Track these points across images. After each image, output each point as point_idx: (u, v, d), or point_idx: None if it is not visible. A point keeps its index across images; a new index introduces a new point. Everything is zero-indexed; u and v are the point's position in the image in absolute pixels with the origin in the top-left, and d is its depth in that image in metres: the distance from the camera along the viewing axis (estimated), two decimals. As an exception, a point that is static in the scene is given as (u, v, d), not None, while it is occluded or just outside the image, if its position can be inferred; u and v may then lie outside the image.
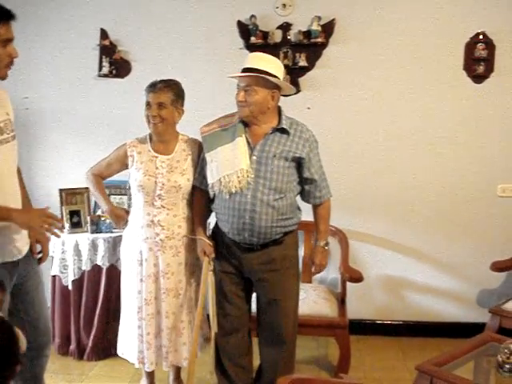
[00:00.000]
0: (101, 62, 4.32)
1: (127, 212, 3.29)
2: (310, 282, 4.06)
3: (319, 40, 4.16)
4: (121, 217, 3.26)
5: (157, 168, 3.13)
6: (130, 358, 3.31)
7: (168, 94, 3.07)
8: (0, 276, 2.38)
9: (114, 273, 3.88)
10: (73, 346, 3.98)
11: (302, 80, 4.23)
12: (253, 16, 4.17)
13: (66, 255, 3.92)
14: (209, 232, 3.24)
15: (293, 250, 3.11)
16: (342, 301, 3.83)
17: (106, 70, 4.30)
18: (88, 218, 4.02)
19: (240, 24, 4.22)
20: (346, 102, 4.27)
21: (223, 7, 4.24)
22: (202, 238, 3.09)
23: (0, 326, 1.86)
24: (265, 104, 2.89)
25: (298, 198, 3.11)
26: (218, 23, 4.25)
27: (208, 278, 3.08)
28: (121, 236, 3.76)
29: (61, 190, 4.12)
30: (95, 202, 4.15)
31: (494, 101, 4.22)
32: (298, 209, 3.09)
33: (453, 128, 4.26)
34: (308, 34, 4.19)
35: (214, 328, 3.11)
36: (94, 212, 4.16)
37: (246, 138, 2.93)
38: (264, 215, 2.87)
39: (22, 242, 2.56)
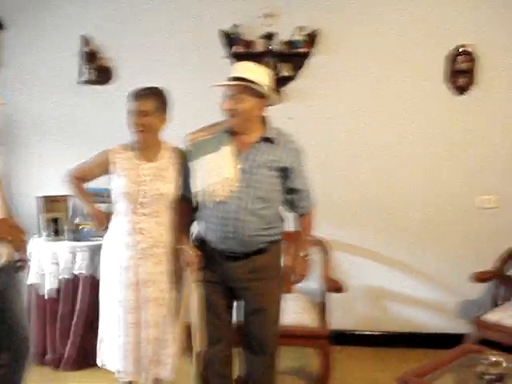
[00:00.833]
0: (82, 68, 4.28)
1: (109, 215, 3.25)
2: (291, 291, 4.04)
3: (302, 50, 4.18)
4: (102, 219, 3.22)
5: (140, 176, 3.10)
6: (111, 367, 3.25)
7: (151, 102, 3.04)
8: None
9: (92, 282, 3.83)
10: (49, 356, 3.92)
11: (284, 90, 4.23)
12: (236, 25, 4.17)
13: (44, 264, 3.86)
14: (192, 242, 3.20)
15: (277, 259, 3.09)
16: (322, 311, 3.81)
17: (86, 76, 4.27)
18: (67, 226, 3.97)
19: (223, 33, 4.22)
20: (329, 112, 4.29)
21: (206, 16, 4.24)
22: (187, 248, 3.05)
23: None
24: (252, 113, 2.88)
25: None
26: (200, 32, 4.25)
27: (193, 290, 3.04)
28: (99, 245, 3.72)
29: (40, 198, 4.07)
30: (74, 210, 4.10)
31: (475, 113, 4.27)
32: (282, 219, 3.07)
33: (433, 139, 4.29)
34: (291, 43, 4.20)
35: (197, 345, 3.05)
36: (73, 220, 4.11)
37: (232, 148, 2.91)
38: (248, 224, 2.85)
39: (1, 251, 2.52)
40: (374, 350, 4.33)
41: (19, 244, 2.67)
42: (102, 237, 3.34)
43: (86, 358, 3.86)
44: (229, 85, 2.88)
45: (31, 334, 3.77)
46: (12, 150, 4.37)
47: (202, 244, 3.05)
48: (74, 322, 3.85)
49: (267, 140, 2.92)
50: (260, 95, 2.87)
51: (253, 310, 3.03)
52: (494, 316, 3.85)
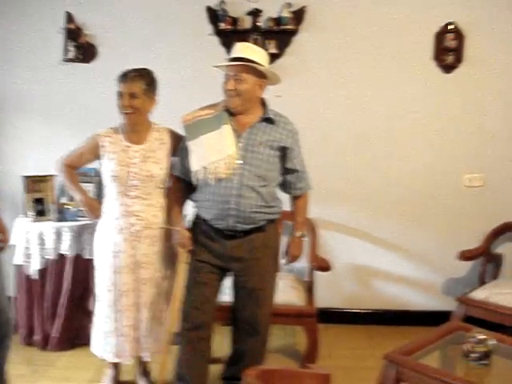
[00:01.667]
0: (66, 46, 4.21)
1: (100, 203, 3.22)
2: (278, 270, 4.04)
3: (289, 27, 4.13)
4: (95, 208, 3.20)
5: (130, 158, 3.08)
6: (104, 354, 3.25)
7: (140, 84, 3.02)
8: None
9: (79, 262, 3.82)
10: (37, 337, 3.90)
11: (271, 67, 4.17)
12: (222, 1, 4.11)
13: (30, 244, 3.83)
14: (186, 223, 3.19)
15: (274, 240, 3.13)
16: (309, 290, 3.83)
17: (71, 54, 4.20)
18: (52, 206, 3.94)
19: (209, 9, 4.16)
20: (316, 89, 4.26)
21: (192, -8, 4.18)
22: (180, 229, 3.06)
23: None
24: (253, 93, 2.92)
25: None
26: (186, 8, 4.18)
27: (183, 271, 3.05)
28: (86, 224, 3.70)
29: (25, 177, 4.02)
30: (60, 190, 4.06)
31: (463, 91, 4.26)
32: (279, 199, 3.08)
33: (421, 117, 4.28)
34: (278, 20, 4.15)
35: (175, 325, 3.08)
36: (59, 200, 4.07)
37: (232, 127, 2.92)
38: (249, 200, 2.87)
39: None
40: (361, 327, 4.36)
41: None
42: (89, 219, 3.33)
43: (73, 338, 3.86)
44: (230, 65, 2.89)
45: (17, 316, 3.80)
46: (-3, 129, 4.31)
47: (197, 225, 3.05)
48: (60, 302, 3.83)
49: (267, 120, 2.96)
50: (261, 75, 2.91)
51: (248, 290, 3.05)
52: (480, 294, 3.88)
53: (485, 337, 2.75)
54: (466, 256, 4.09)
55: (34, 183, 4.03)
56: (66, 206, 3.92)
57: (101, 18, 4.21)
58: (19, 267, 3.88)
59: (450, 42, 4.16)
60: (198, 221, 3.06)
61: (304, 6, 4.14)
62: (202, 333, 3.07)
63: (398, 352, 2.78)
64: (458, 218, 4.37)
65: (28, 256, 3.84)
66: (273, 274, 3.14)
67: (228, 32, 4.11)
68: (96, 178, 3.74)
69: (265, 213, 2.95)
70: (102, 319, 3.22)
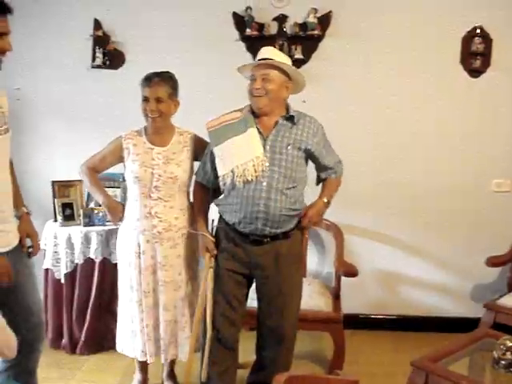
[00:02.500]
0: (94, 52, 4.26)
1: (123, 206, 3.26)
2: (305, 276, 4.04)
3: (315, 32, 4.13)
4: (118, 210, 3.23)
5: (153, 159, 3.11)
6: (130, 353, 3.28)
7: (165, 88, 3.06)
8: None
9: (106, 266, 3.86)
10: (65, 340, 3.94)
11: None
12: (248, 7, 4.13)
13: (59, 248, 3.88)
14: (210, 229, 3.20)
15: (299, 246, 3.10)
16: (336, 295, 3.81)
17: (99, 61, 4.25)
18: (81, 211, 3.98)
19: (235, 16, 4.18)
20: (342, 95, 4.25)
21: (219, -2, 4.20)
22: (205, 234, 3.07)
23: None
24: (280, 93, 2.93)
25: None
26: (213, 14, 4.20)
27: (208, 276, 3.05)
28: (114, 229, 3.74)
29: (53, 182, 4.08)
30: (88, 195, 4.11)
31: (490, 95, 4.21)
32: (305, 204, 3.06)
33: (448, 122, 4.25)
34: (304, 26, 4.15)
35: (210, 330, 3.06)
36: (87, 205, 4.12)
37: (258, 129, 2.93)
38: (278, 203, 2.86)
39: (10, 235, 2.55)
40: (387, 333, 4.33)
41: (31, 230, 2.74)
42: (112, 222, 3.37)
43: (101, 341, 3.90)
44: (259, 64, 2.91)
45: (45, 320, 3.85)
46: (27, 135, 4.36)
47: (222, 230, 3.05)
48: (89, 306, 3.87)
49: (289, 119, 2.96)
50: (287, 77, 2.93)
51: (272, 299, 3.03)
52: (509, 300, 3.85)
53: (514, 344, 2.71)
54: (493, 262, 4.05)
55: (63, 188, 4.08)
56: (94, 211, 3.96)
57: (128, 25, 4.26)
58: (48, 271, 3.93)
59: (477, 46, 4.12)
60: (223, 225, 3.05)
61: (330, 11, 4.14)
62: (228, 340, 3.08)
63: (427, 358, 2.76)
64: (486, 223, 4.32)
65: (56, 260, 3.89)
66: (297, 282, 3.10)
67: (254, 38, 4.12)
68: (124, 183, 3.77)
69: (291, 216, 2.93)
70: (127, 318, 3.25)
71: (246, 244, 2.96)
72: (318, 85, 4.16)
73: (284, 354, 3.12)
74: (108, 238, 3.86)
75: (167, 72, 3.13)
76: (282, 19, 4.17)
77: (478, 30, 4.11)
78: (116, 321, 3.38)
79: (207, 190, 3.13)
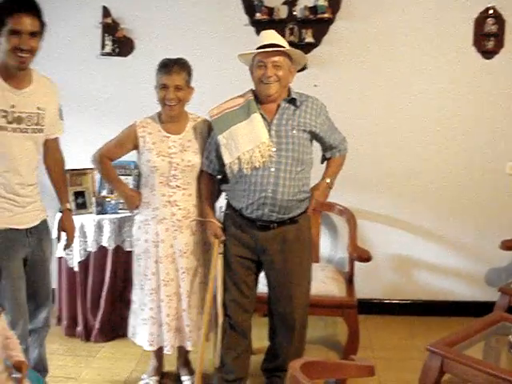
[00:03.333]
0: (103, 40, 4.25)
1: (140, 194, 3.23)
2: (318, 261, 4.03)
3: (326, 16, 4.09)
4: (136, 199, 3.20)
5: (169, 148, 3.09)
6: (140, 341, 3.28)
7: (183, 75, 3.04)
8: (11, 239, 2.57)
9: (119, 254, 3.87)
10: (80, 328, 3.96)
11: (308, 57, 4.13)
12: (258, -8, 4.09)
13: (72, 236, 3.88)
14: (218, 215, 3.20)
15: (307, 232, 3.07)
16: (350, 280, 3.79)
17: (108, 48, 4.24)
18: (93, 199, 3.98)
19: (245, 0, 4.14)
20: (354, 78, 4.22)
21: (228, -17, 4.16)
22: (212, 221, 3.06)
23: None
24: (288, 79, 2.93)
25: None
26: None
27: (218, 262, 3.05)
28: (126, 217, 3.73)
29: (66, 171, 4.06)
30: (100, 183, 4.11)
31: (504, 76, 4.16)
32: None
33: (462, 104, 4.20)
34: (314, 9, 4.12)
35: (221, 316, 3.09)
36: (99, 193, 4.12)
37: (261, 114, 2.90)
38: (286, 188, 2.85)
39: (33, 213, 2.70)
40: (401, 318, 4.32)
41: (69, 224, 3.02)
42: (128, 211, 3.36)
43: (115, 329, 3.91)
44: (271, 51, 2.84)
45: (60, 308, 3.89)
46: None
47: (230, 217, 3.05)
48: (102, 294, 3.88)
49: (291, 102, 2.93)
50: (291, 61, 2.91)
51: (280, 285, 3.02)
52: (523, 284, 3.81)
53: (531, 328, 2.69)
54: (508, 246, 4.00)
55: (75, 176, 4.07)
56: (106, 199, 3.96)
57: (137, 12, 4.24)
58: (61, 260, 3.95)
59: (490, 26, 4.07)
60: (230, 212, 3.05)
61: (340, -6, 4.10)
62: (241, 326, 3.09)
63: (442, 343, 2.73)
64: (501, 206, 4.28)
65: (70, 248, 3.89)
66: (306, 268, 3.08)
67: (264, 22, 4.09)
68: (136, 171, 3.75)
69: (299, 200, 2.91)
70: (139, 307, 3.25)
71: (252, 229, 2.96)
72: (329, 69, 4.13)
73: (296, 341, 3.11)
74: (121, 226, 3.87)
75: (182, 58, 3.09)
76: (291, 3, 4.13)
77: (491, 11, 4.06)
78: (129, 309, 3.39)
79: (213, 178, 3.11)
